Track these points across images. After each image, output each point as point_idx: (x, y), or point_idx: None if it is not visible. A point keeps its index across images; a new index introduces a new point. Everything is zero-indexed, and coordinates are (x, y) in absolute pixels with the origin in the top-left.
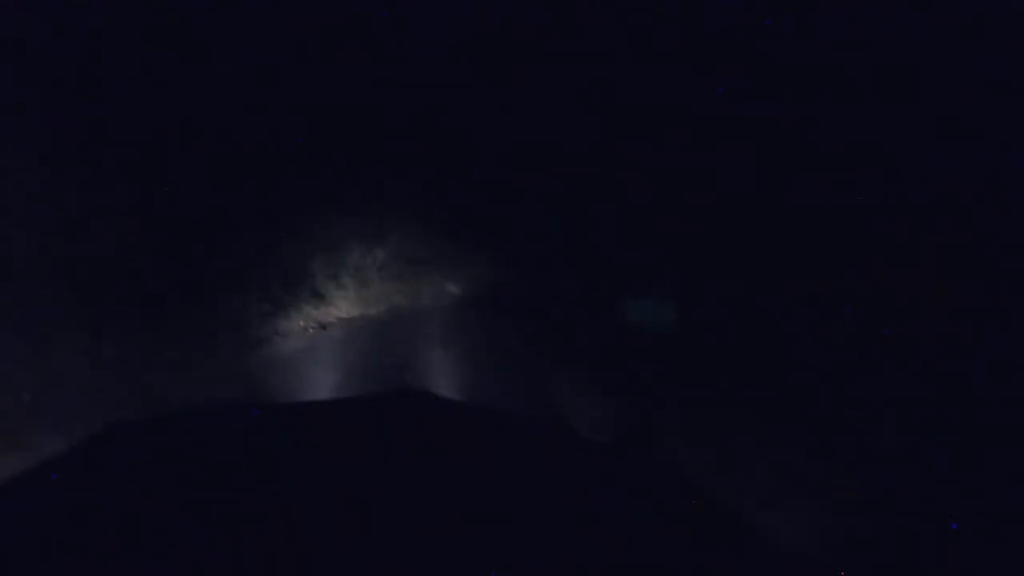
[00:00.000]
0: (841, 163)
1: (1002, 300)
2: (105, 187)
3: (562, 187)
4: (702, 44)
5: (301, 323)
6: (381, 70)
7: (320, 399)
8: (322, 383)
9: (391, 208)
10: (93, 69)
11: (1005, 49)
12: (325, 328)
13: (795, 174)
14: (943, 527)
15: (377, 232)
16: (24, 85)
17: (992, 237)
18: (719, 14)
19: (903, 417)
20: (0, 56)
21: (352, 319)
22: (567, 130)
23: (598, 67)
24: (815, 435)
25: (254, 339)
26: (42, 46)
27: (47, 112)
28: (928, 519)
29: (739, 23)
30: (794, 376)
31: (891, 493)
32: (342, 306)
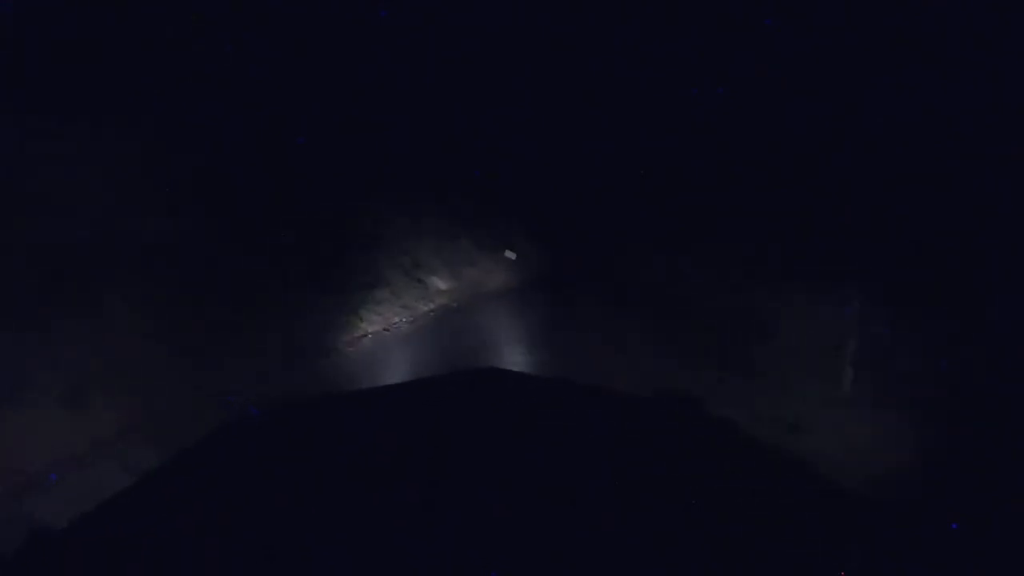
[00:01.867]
0: (841, 163)
1: (1002, 300)
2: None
3: (566, 181)
4: (702, 44)
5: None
6: (381, 69)
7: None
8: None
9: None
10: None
11: (1005, 47)
12: (388, 330)
13: (795, 173)
14: (943, 527)
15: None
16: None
17: (992, 236)
18: (719, 14)
19: (903, 417)
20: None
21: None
22: (567, 127)
23: (598, 67)
24: (813, 436)
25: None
26: (42, 43)
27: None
28: (928, 519)
29: (739, 23)
30: (792, 375)
31: (891, 493)
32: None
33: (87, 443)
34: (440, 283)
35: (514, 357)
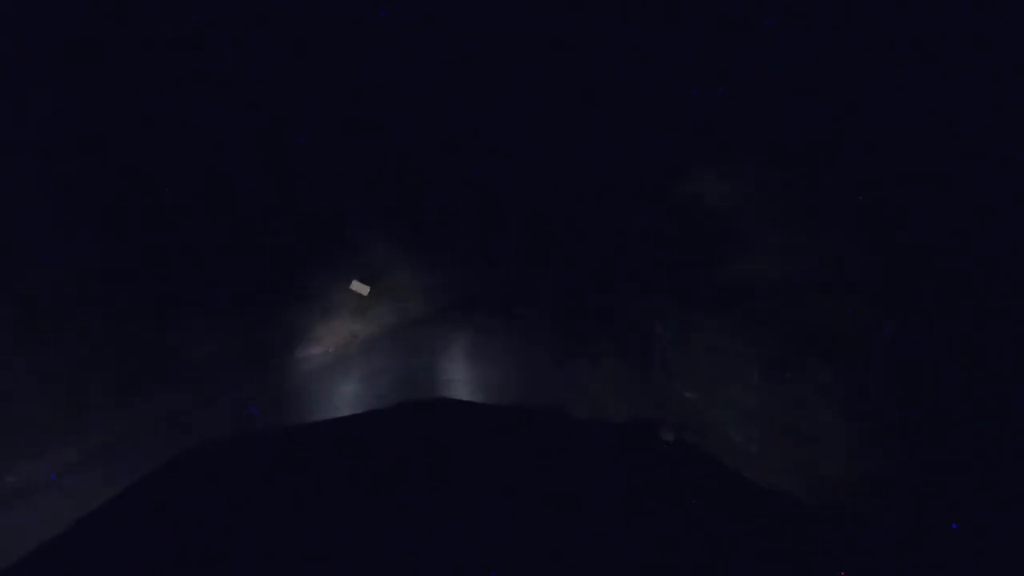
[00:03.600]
0: (841, 162)
1: (1002, 300)
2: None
3: (561, 184)
4: (702, 44)
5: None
6: (381, 69)
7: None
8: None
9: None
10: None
11: (1005, 47)
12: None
13: (795, 173)
14: (943, 527)
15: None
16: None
17: (993, 235)
18: (719, 14)
19: (903, 417)
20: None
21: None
22: (567, 127)
23: (598, 67)
24: (814, 436)
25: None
26: (42, 43)
27: (48, 112)
28: (928, 519)
29: (739, 23)
30: (793, 376)
31: (890, 493)
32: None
33: (83, 444)
34: (429, 296)
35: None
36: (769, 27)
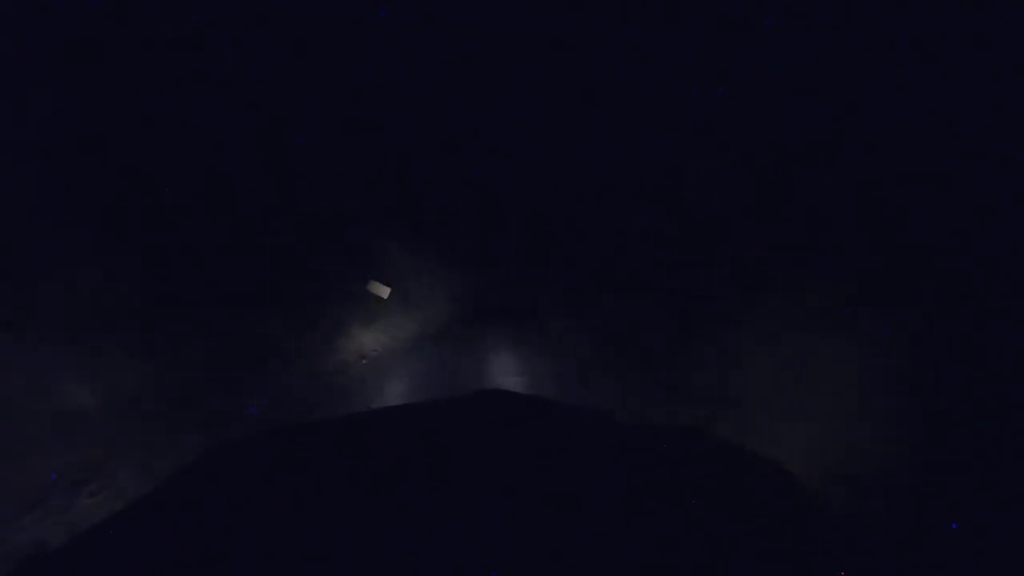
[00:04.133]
0: (841, 162)
1: (1002, 300)
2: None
3: (561, 184)
4: (702, 44)
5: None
6: (381, 69)
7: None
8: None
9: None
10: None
11: (1005, 47)
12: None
13: (795, 173)
14: (943, 527)
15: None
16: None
17: (993, 235)
18: (719, 14)
19: (903, 417)
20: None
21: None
22: (567, 127)
23: (598, 67)
24: (814, 436)
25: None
26: (42, 43)
27: (48, 112)
28: (928, 519)
29: (739, 23)
30: (793, 375)
31: (890, 493)
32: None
33: (81, 444)
34: (432, 304)
35: (510, 378)
36: (769, 27)
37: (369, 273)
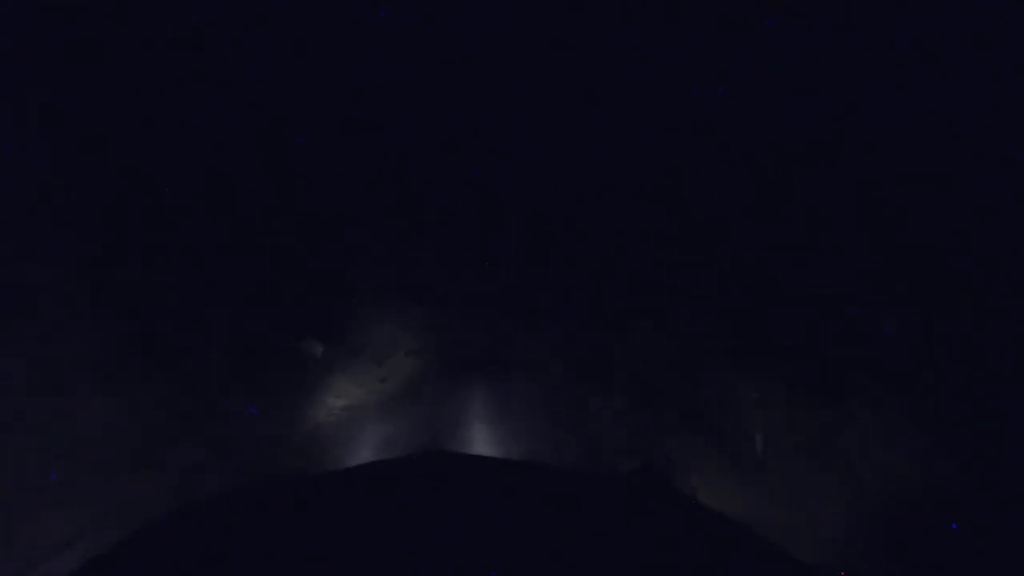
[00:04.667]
0: (841, 162)
1: (1002, 300)
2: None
3: (561, 184)
4: (702, 44)
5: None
6: (381, 69)
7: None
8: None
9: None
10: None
11: (1006, 47)
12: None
13: (795, 173)
14: (943, 527)
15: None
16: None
17: (993, 235)
18: (719, 14)
19: (902, 416)
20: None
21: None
22: (567, 127)
23: (598, 67)
24: (814, 435)
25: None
26: (42, 43)
27: (48, 116)
28: (928, 519)
29: (739, 23)
30: (793, 376)
31: (890, 493)
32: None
33: (79, 443)
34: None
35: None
36: (769, 27)
37: (364, 270)
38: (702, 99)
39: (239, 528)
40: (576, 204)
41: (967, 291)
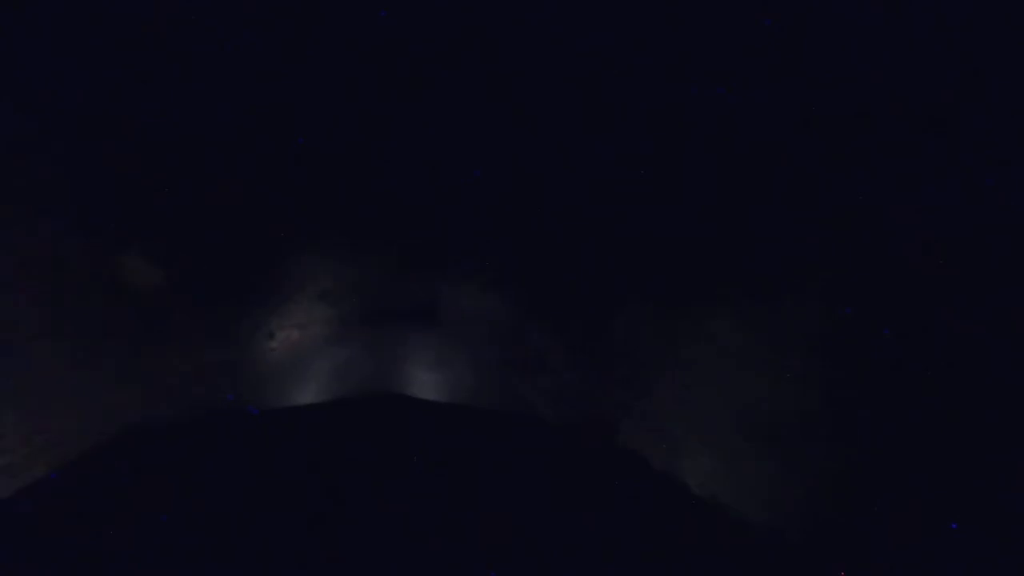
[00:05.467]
0: (842, 162)
1: (1002, 300)
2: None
3: (562, 184)
4: (702, 44)
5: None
6: (381, 69)
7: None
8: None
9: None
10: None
11: (1006, 46)
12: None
13: (796, 173)
14: (943, 527)
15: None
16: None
17: (993, 236)
18: (719, 14)
19: (902, 416)
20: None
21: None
22: (567, 127)
23: (599, 67)
24: (814, 435)
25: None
26: (41, 43)
27: (43, 109)
28: (928, 519)
29: (739, 23)
30: (793, 375)
31: (890, 493)
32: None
33: (79, 443)
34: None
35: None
36: (769, 27)
37: (365, 270)
38: (702, 99)
39: (238, 527)
40: (576, 204)
41: (967, 291)
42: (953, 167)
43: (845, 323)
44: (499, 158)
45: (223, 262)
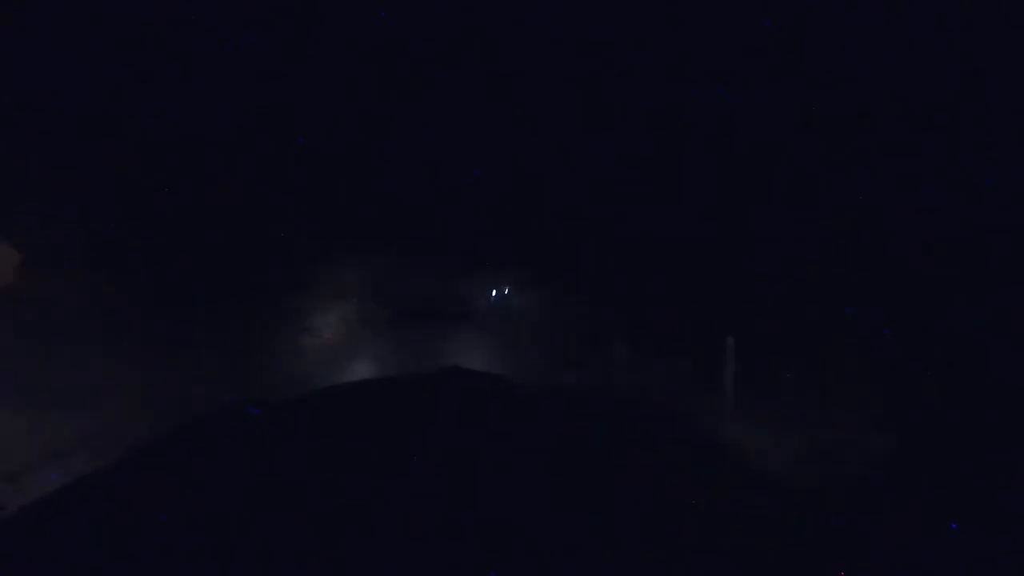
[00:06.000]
0: (841, 163)
1: (1002, 300)
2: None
3: (561, 184)
4: (702, 44)
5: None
6: (381, 69)
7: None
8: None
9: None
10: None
11: (1006, 46)
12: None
13: (796, 173)
14: (943, 527)
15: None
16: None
17: (993, 236)
18: (719, 14)
19: (902, 416)
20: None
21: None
22: (567, 127)
23: (598, 67)
24: (814, 434)
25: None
26: (40, 43)
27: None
28: (928, 519)
29: (739, 23)
30: (793, 375)
31: (890, 493)
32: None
33: (79, 444)
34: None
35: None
36: (769, 27)
37: (364, 270)
38: (702, 99)
39: (238, 527)
40: (576, 204)
41: (967, 291)
42: (953, 167)
43: (845, 323)
44: (499, 158)
45: (222, 263)
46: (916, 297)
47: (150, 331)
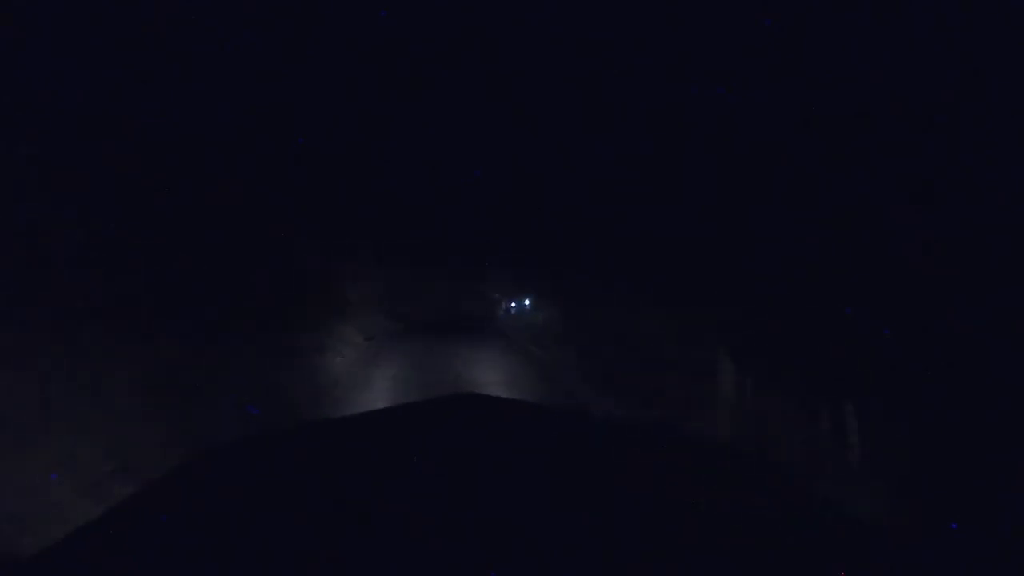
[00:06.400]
0: (841, 162)
1: (1002, 300)
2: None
3: (561, 184)
4: (702, 44)
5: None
6: (381, 69)
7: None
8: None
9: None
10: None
11: (1006, 46)
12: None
13: (796, 174)
14: (943, 527)
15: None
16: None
17: (993, 236)
18: (719, 14)
19: (902, 417)
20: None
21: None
22: (567, 127)
23: (598, 67)
24: (814, 434)
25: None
26: (40, 43)
27: (43, 106)
28: (928, 519)
29: (739, 23)
30: (793, 375)
31: (890, 493)
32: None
33: (80, 444)
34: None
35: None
36: (769, 27)
37: (364, 270)
38: (702, 99)
39: (238, 527)
40: (576, 204)
41: (967, 291)
42: (953, 167)
43: (845, 323)
44: (499, 158)
45: (222, 263)
46: (916, 297)
47: (149, 331)
